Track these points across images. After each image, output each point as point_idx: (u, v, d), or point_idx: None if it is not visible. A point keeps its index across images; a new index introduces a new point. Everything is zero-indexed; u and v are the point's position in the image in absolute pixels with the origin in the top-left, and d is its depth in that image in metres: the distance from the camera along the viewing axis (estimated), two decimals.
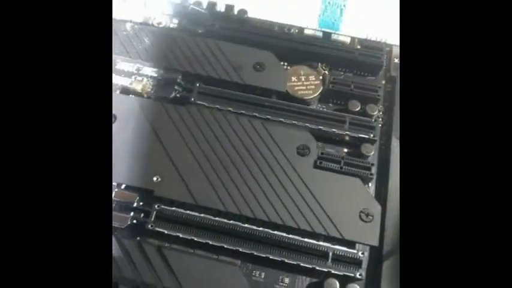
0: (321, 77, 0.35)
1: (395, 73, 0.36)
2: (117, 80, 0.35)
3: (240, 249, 0.28)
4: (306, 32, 0.38)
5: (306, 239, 0.28)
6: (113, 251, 0.26)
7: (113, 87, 0.34)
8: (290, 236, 0.28)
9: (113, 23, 0.36)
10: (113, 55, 0.35)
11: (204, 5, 0.38)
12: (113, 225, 0.28)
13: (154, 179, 0.29)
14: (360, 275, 0.27)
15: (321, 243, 0.28)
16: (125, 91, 0.34)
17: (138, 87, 0.34)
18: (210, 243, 0.28)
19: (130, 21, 0.37)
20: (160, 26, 0.38)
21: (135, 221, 0.28)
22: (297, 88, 0.35)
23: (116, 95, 0.33)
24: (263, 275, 0.28)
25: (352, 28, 0.41)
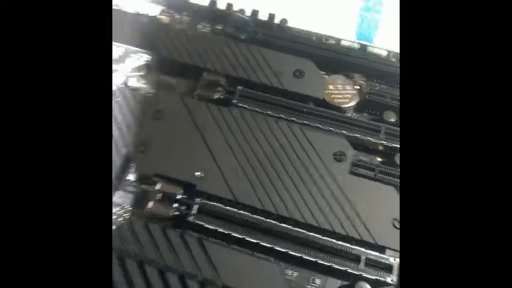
0: (357, 87, 0.37)
1: None
2: (163, 79, 0.36)
3: (275, 247, 0.29)
4: (343, 43, 0.39)
5: (340, 242, 0.29)
6: (157, 241, 0.28)
7: (157, 85, 0.36)
8: (324, 237, 0.29)
9: (159, 25, 0.38)
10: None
11: (248, 13, 0.39)
12: (158, 215, 0.29)
13: (197, 174, 0.31)
14: (391, 280, 0.28)
15: (354, 246, 0.29)
16: (171, 89, 0.36)
17: (182, 87, 0.36)
18: (247, 239, 0.29)
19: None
20: (205, 30, 0.39)
21: (177, 213, 0.30)
22: (333, 96, 0.36)
23: (163, 93, 0.35)
24: (295, 274, 0.29)
25: (387, 41, 0.42)
